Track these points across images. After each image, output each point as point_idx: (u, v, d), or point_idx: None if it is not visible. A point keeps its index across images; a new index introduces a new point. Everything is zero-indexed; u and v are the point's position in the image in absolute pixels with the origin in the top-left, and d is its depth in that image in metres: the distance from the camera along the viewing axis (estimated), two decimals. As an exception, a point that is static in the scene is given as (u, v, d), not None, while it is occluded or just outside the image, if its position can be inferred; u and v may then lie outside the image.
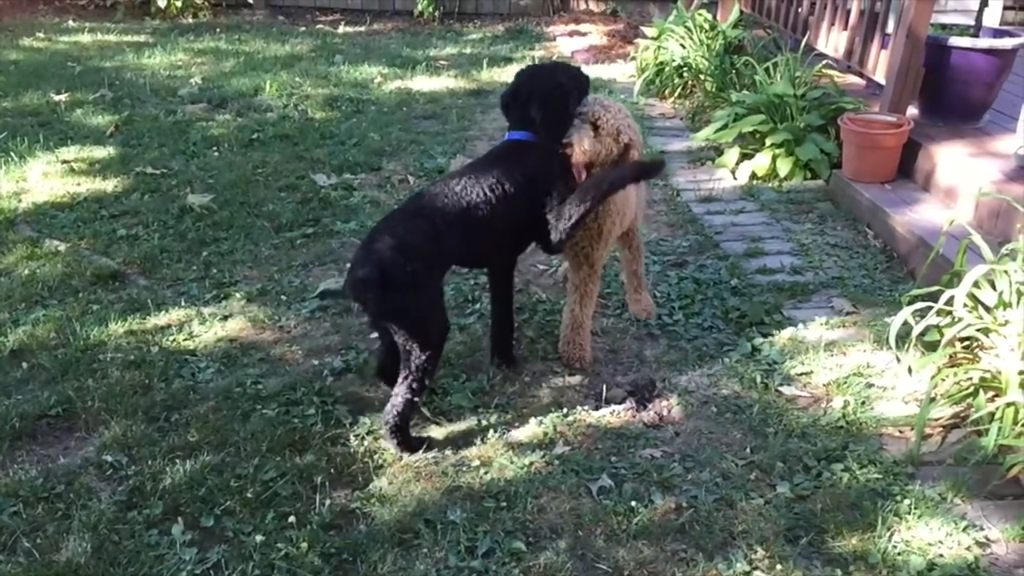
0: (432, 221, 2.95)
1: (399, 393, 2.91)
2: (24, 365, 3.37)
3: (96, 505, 2.68)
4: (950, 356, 3.16)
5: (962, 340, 3.17)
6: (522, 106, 3.21)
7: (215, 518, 2.65)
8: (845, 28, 5.67)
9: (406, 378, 2.90)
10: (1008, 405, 2.84)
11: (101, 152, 5.54)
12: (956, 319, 3.09)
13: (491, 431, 3.05)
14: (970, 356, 3.18)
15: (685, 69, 6.69)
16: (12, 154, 5.37)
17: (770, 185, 5.16)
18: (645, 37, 7.38)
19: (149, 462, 2.85)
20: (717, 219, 4.76)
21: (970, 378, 3.07)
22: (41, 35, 8.54)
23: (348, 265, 4.05)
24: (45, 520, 2.63)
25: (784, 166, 5.15)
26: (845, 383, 3.29)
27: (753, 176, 5.23)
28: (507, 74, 7.51)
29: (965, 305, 3.09)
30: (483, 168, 3.14)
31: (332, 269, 4.16)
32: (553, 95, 3.19)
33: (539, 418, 3.11)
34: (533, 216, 3.14)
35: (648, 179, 3.44)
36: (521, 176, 3.11)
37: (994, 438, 2.82)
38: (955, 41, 4.86)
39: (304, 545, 2.54)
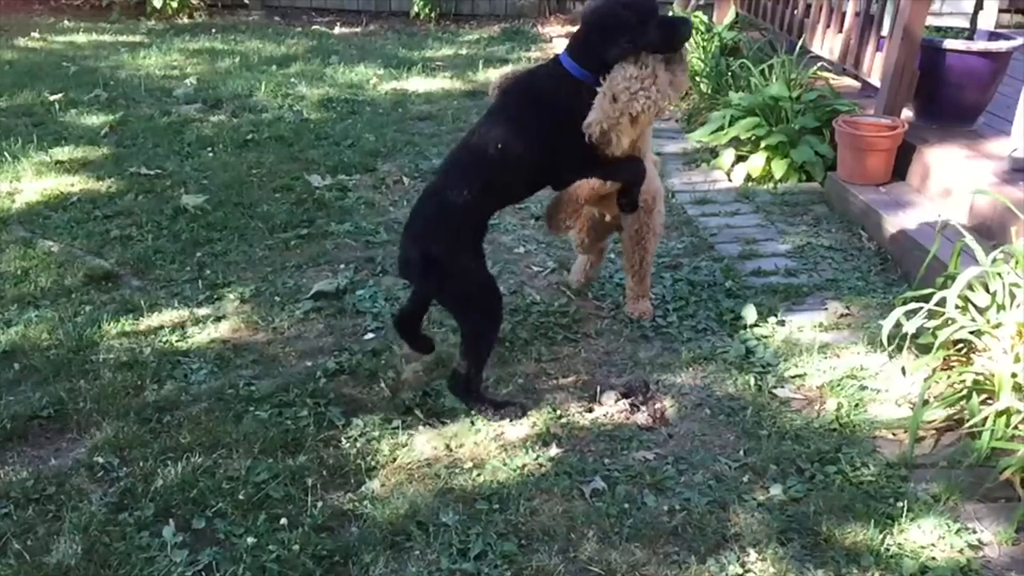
0: (464, 184, 3.02)
1: (460, 364, 3.08)
2: (16, 366, 3.36)
3: (87, 507, 2.67)
4: (944, 359, 3.16)
5: (956, 343, 3.18)
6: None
7: (206, 520, 2.64)
8: (840, 30, 5.67)
9: (464, 352, 3.08)
10: (1001, 413, 2.84)
11: (95, 152, 5.53)
12: (948, 321, 3.09)
13: (484, 433, 3.04)
14: (963, 359, 3.18)
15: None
16: (6, 154, 5.35)
17: (765, 187, 5.17)
18: (641, 39, 7.36)
19: (140, 464, 2.84)
20: (712, 221, 4.76)
21: (963, 381, 3.07)
22: (36, 35, 8.52)
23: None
24: (36, 522, 2.62)
25: (779, 168, 5.15)
26: (839, 385, 3.29)
27: (748, 178, 5.23)
28: (503, 75, 7.50)
29: (957, 307, 3.09)
30: (510, 107, 3.14)
31: (326, 270, 4.15)
32: (594, 23, 3.05)
33: (532, 420, 3.10)
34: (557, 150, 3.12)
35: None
36: (542, 113, 3.08)
37: (987, 441, 2.82)
38: (950, 44, 4.87)
39: (296, 547, 2.53)
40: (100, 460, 2.86)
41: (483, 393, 3.16)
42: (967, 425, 2.96)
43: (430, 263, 3.00)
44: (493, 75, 7.45)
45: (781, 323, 3.71)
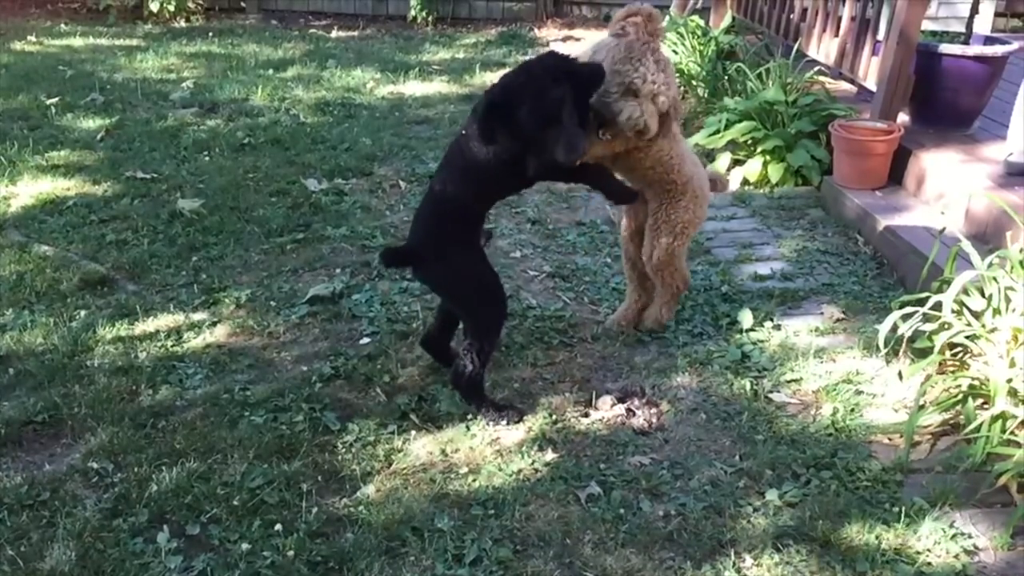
0: (454, 183, 3.06)
1: (464, 359, 3.08)
2: (10, 371, 3.35)
3: (81, 513, 2.66)
4: (940, 363, 3.16)
5: (951, 347, 3.18)
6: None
7: (201, 526, 2.63)
8: (836, 35, 5.68)
9: (467, 346, 3.08)
10: (996, 417, 2.84)
11: (91, 156, 5.52)
12: (944, 325, 3.09)
13: (480, 438, 3.03)
14: (959, 363, 3.18)
15: (677, 75, 6.69)
16: (1, 158, 5.34)
17: (761, 191, 5.17)
18: (638, 43, 7.37)
19: (135, 469, 2.84)
20: (708, 225, 4.75)
21: (959, 385, 3.06)
22: (33, 38, 8.52)
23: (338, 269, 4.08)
24: (30, 528, 2.61)
25: (775, 172, 5.15)
26: (835, 390, 3.29)
27: (744, 182, 5.23)
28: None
29: (953, 311, 3.09)
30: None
31: (322, 274, 4.15)
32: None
33: (528, 425, 3.10)
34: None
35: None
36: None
37: (983, 446, 2.82)
38: (945, 48, 4.88)
39: (290, 553, 2.52)
40: (94, 466, 2.85)
41: (486, 393, 3.17)
42: (963, 430, 2.96)
43: (429, 260, 3.08)
44: (490, 79, 7.47)
45: (777, 327, 3.71)
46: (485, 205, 3.22)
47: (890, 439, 3.06)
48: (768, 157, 5.20)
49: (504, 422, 3.08)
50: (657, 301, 3.65)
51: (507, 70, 3.12)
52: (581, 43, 8.91)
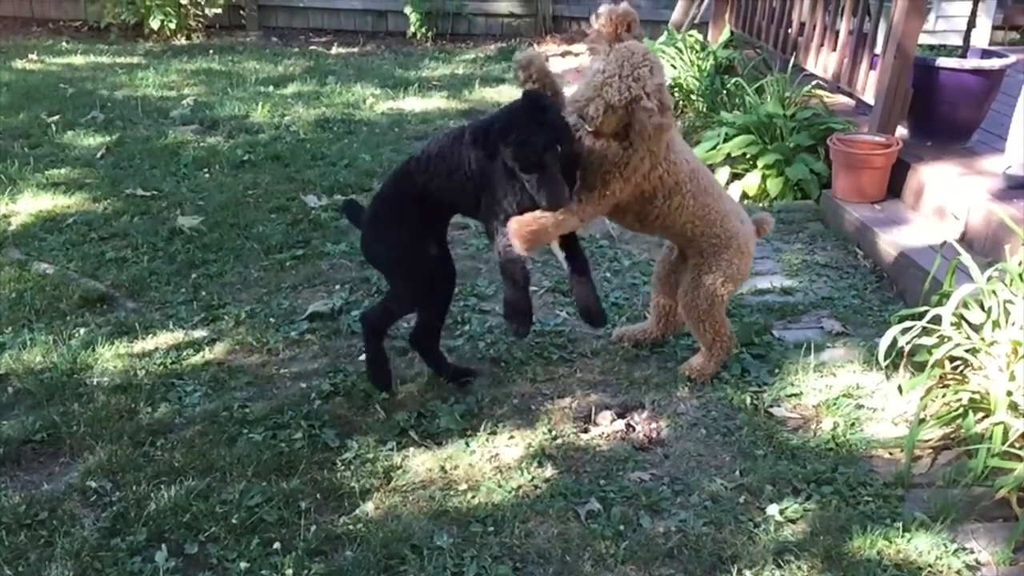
0: (417, 170, 3.14)
1: (377, 306, 3.37)
2: (9, 390, 3.34)
3: (79, 532, 2.65)
4: (940, 377, 3.16)
5: (952, 360, 3.17)
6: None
7: (199, 544, 2.62)
8: (834, 49, 5.70)
9: (383, 302, 3.36)
10: (997, 426, 2.83)
11: (91, 174, 5.54)
12: (944, 339, 3.09)
13: (479, 454, 3.03)
14: (959, 377, 3.17)
15: (676, 89, 6.72)
16: (2, 176, 5.36)
17: (760, 205, 5.18)
18: (636, 58, 7.39)
19: (133, 488, 2.83)
20: (707, 239, 4.75)
21: (959, 399, 3.06)
22: (34, 56, 8.55)
23: (337, 286, 4.08)
24: (28, 547, 2.60)
25: (774, 186, 5.16)
26: (835, 404, 3.28)
27: (743, 196, 5.24)
28: (499, 94, 7.54)
29: (952, 324, 3.09)
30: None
31: (321, 291, 4.15)
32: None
33: (528, 441, 3.09)
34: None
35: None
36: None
37: (983, 459, 2.81)
38: (943, 62, 4.89)
39: (289, 571, 2.51)
40: (93, 484, 2.85)
41: (384, 351, 3.34)
42: (963, 444, 2.95)
43: (370, 228, 3.28)
44: (489, 94, 7.51)
45: (777, 341, 3.71)
46: (430, 203, 3.14)
47: (891, 453, 3.05)
48: (767, 171, 5.20)
49: (370, 380, 3.30)
50: (701, 352, 3.46)
51: (505, 86, 3.13)
52: (579, 59, 8.95)
